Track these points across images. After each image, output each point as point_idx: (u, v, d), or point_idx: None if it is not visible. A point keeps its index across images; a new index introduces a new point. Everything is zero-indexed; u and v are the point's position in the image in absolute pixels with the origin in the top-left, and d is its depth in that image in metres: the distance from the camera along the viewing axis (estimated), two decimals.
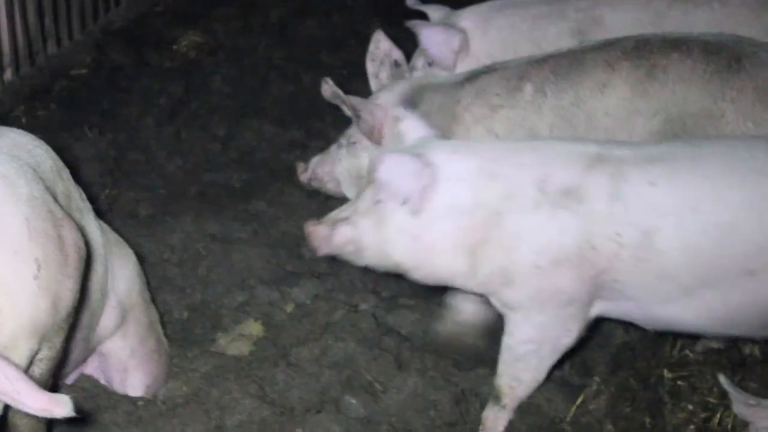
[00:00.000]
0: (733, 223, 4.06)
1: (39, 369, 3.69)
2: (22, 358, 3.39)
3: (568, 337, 4.34)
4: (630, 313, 4.37)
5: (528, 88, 5.52)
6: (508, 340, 4.42)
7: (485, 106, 5.59)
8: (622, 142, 4.66)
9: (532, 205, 4.14)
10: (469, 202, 4.21)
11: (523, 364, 4.40)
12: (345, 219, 4.39)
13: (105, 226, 4.64)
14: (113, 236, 4.68)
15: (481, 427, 4.56)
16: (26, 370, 3.45)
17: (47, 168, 3.91)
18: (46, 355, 3.66)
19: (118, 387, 4.67)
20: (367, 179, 4.55)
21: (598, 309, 4.33)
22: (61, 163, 4.14)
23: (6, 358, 3.03)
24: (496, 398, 4.53)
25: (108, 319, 4.50)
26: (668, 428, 4.70)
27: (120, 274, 4.55)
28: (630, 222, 4.07)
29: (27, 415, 3.76)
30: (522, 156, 4.32)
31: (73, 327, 3.91)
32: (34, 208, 3.45)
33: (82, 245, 3.67)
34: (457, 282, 4.41)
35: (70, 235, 3.59)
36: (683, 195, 4.10)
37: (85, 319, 4.23)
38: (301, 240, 6.12)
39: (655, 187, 4.09)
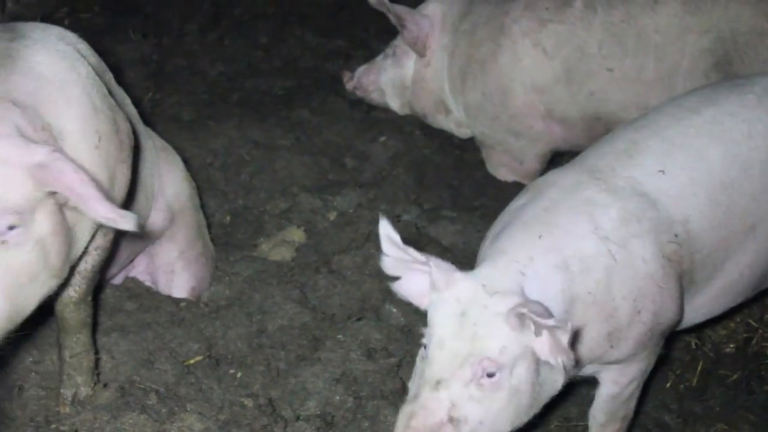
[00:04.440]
0: (728, 180, 3.95)
1: (91, 260, 3.77)
2: (85, 232, 3.49)
3: (656, 355, 4.04)
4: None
5: (578, 3, 5.50)
6: (611, 390, 4.05)
7: (534, 19, 5.58)
8: (585, 154, 4.15)
9: (609, 258, 3.70)
10: (563, 301, 3.61)
11: (628, 403, 4.11)
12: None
13: (150, 131, 4.66)
14: (159, 142, 4.71)
15: None
16: (85, 252, 3.59)
17: (93, 63, 3.94)
18: (100, 245, 3.73)
19: (164, 288, 4.72)
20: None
21: None
22: (104, 65, 4.18)
23: (80, 167, 3.12)
24: None
25: (155, 221, 4.54)
26: (708, 346, 4.72)
27: (167, 178, 4.59)
28: (672, 218, 3.85)
29: (76, 308, 3.83)
30: (562, 222, 3.73)
31: None
32: (93, 86, 3.57)
33: (132, 137, 3.74)
34: None
35: (123, 124, 3.68)
36: (684, 170, 3.92)
37: None
38: (343, 149, 6.14)
39: (664, 173, 3.89)
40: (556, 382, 3.57)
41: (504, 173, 6.02)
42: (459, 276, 3.46)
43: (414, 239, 5.09)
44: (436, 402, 3.35)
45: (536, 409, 3.57)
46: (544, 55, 5.55)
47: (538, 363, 3.42)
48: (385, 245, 3.53)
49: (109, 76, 4.21)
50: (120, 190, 3.65)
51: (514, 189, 5.83)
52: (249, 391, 4.18)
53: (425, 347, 3.46)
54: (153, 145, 4.53)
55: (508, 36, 5.65)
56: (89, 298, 3.89)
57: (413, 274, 3.56)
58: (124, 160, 3.65)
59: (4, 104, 3.24)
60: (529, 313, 3.23)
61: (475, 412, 3.38)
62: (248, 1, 8.28)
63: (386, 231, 3.50)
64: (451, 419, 3.36)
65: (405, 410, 3.39)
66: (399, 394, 4.24)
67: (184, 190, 4.71)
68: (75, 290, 3.81)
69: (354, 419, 4.12)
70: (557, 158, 6.10)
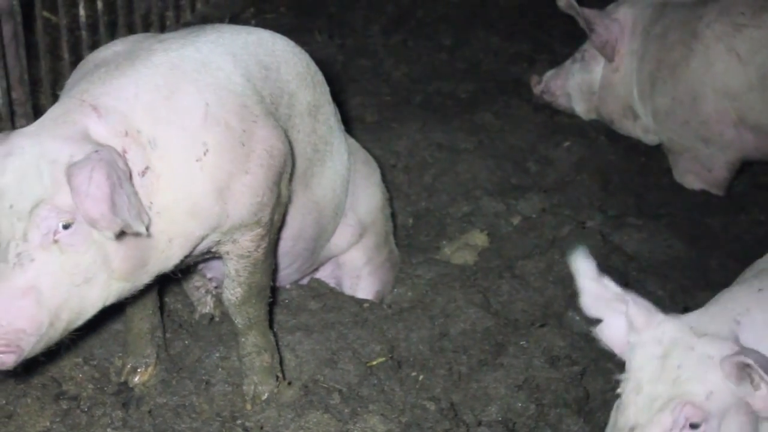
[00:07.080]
0: None
1: (233, 265, 3.77)
2: (185, 238, 3.47)
3: None
4: None
5: None
6: None
7: (729, 24, 5.46)
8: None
9: None
10: None
11: None
12: None
13: (354, 142, 4.68)
14: (363, 155, 4.73)
15: None
16: (189, 253, 3.55)
17: (287, 73, 3.98)
18: (234, 251, 3.72)
19: (348, 290, 4.74)
20: None
21: None
22: (315, 78, 4.22)
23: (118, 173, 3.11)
24: None
25: (342, 236, 4.57)
26: None
27: (362, 194, 4.61)
28: None
29: (237, 310, 3.87)
30: None
31: (278, 233, 3.98)
32: (221, 97, 3.51)
33: (279, 149, 3.67)
34: None
35: (262, 133, 3.60)
36: None
37: (307, 231, 4.30)
38: (526, 153, 6.10)
39: None
40: None
41: (691, 181, 5.87)
42: (661, 317, 3.05)
43: (598, 246, 5.02)
44: None
45: None
46: (738, 61, 5.42)
47: (755, 422, 2.97)
48: (581, 279, 3.17)
49: (322, 89, 4.28)
50: (241, 203, 3.57)
51: (702, 197, 5.73)
52: (431, 395, 4.16)
53: (620, 397, 3.05)
54: (355, 158, 4.56)
55: (701, 40, 5.53)
56: (254, 301, 3.87)
57: (614, 316, 3.15)
58: (251, 171, 3.55)
59: (81, 108, 3.28)
60: (755, 365, 2.77)
61: None
62: (432, 4, 8.32)
63: (581, 263, 3.17)
64: None
65: None
66: (582, 403, 4.18)
67: (377, 202, 4.72)
68: (231, 293, 3.83)
69: (536, 427, 4.08)
70: (747, 168, 5.94)
